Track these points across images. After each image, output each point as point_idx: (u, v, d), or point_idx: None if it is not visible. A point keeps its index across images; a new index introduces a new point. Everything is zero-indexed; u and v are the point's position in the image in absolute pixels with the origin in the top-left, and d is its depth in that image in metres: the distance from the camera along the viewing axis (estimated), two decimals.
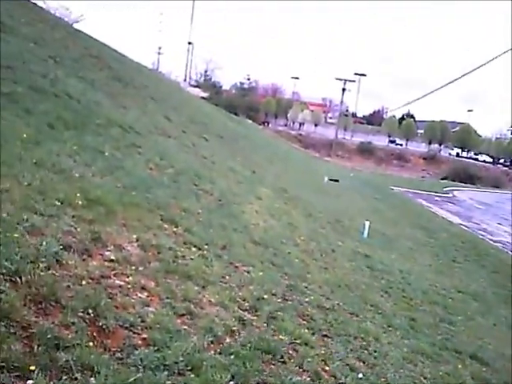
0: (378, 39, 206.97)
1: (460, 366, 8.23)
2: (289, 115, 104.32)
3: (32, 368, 3.30)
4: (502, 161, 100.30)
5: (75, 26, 29.67)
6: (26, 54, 12.32)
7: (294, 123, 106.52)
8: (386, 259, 15.05)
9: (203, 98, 55.27)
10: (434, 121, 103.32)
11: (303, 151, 72.65)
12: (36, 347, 3.52)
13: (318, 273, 9.95)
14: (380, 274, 12.47)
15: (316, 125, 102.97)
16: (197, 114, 27.42)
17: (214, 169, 15.35)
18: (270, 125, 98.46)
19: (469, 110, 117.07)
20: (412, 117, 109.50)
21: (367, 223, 17.98)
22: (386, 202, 34.90)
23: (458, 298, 13.75)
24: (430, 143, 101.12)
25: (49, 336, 3.67)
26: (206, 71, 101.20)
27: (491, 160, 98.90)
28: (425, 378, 7.05)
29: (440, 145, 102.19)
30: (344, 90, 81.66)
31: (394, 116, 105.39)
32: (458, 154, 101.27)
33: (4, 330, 3.45)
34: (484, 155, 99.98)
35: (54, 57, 14.15)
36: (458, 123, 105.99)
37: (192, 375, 4.17)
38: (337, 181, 25.82)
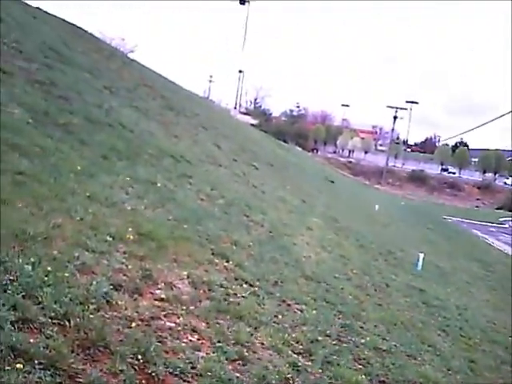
0: (430, 68, 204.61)
1: None
2: (338, 142, 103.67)
3: None
4: None
5: (130, 55, 30.45)
6: (81, 85, 12.55)
7: (343, 150, 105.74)
8: (442, 294, 14.45)
9: (253, 125, 55.63)
10: (488, 149, 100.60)
11: (353, 178, 71.87)
12: None
13: (372, 310, 9.53)
14: (436, 311, 11.95)
15: (366, 152, 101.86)
16: (247, 142, 27.49)
17: (264, 199, 15.18)
18: (319, 152, 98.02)
19: None
20: (465, 145, 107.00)
21: (421, 255, 17.41)
22: (439, 232, 33.94)
23: None
24: (484, 172, 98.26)
25: None
26: (255, 99, 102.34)
27: None
28: None
29: (495, 174, 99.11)
30: (395, 117, 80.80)
31: (447, 144, 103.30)
32: None
33: (50, 380, 3.28)
34: None
35: (109, 87, 14.41)
36: None
37: None
38: (332, 182, 25.53)
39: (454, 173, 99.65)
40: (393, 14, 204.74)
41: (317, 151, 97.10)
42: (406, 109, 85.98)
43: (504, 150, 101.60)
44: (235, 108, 64.46)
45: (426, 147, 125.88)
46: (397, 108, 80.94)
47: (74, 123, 9.47)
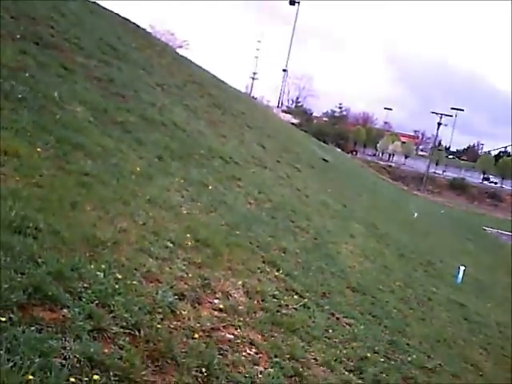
0: (476, 73, 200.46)
1: None
2: (378, 145, 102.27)
3: None
4: None
5: (178, 51, 30.70)
6: (136, 82, 12.72)
7: (383, 154, 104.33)
8: (482, 309, 14.21)
9: (293, 124, 55.49)
10: None
11: (392, 183, 71.00)
12: None
13: (416, 325, 9.43)
14: (477, 327, 11.78)
15: (406, 157, 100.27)
16: (289, 142, 27.44)
17: (307, 203, 15.15)
18: (358, 154, 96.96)
19: None
20: (509, 155, 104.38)
21: (462, 268, 17.11)
22: (479, 244, 33.30)
23: None
24: None
25: None
26: (297, 98, 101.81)
27: None
28: None
29: None
30: (439, 124, 79.30)
31: (490, 152, 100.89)
32: None
33: None
34: None
35: (162, 84, 14.56)
36: None
37: None
38: (326, 160, 24.85)
39: (495, 183, 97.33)
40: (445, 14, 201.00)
41: (356, 153, 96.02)
42: (451, 116, 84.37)
43: None
44: (278, 107, 64.32)
45: (468, 155, 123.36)
46: (441, 114, 79.44)
47: (130, 121, 9.62)
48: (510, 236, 43.76)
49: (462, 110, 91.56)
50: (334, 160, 39.88)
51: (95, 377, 3.29)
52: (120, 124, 9.13)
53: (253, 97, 67.78)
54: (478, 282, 19.31)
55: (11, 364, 2.93)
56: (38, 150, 5.88)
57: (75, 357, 3.32)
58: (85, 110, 8.38)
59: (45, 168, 5.62)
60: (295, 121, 65.29)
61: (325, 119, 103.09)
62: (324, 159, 23.17)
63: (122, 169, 7.18)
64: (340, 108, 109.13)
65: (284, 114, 65.99)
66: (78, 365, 3.29)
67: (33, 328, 3.34)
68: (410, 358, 7.35)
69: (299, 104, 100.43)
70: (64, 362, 3.24)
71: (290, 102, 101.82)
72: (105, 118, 8.85)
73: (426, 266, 17.24)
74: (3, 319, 3.22)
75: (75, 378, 3.17)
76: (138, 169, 7.55)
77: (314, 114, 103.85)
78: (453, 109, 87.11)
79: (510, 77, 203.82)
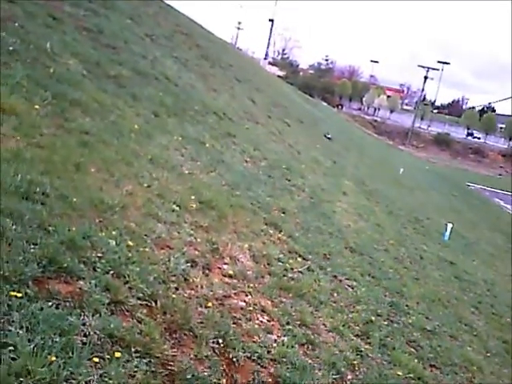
0: (462, 28, 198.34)
1: None
2: (364, 99, 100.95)
3: None
4: None
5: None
6: (125, 32, 12.21)
7: (368, 108, 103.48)
8: (469, 267, 14.42)
9: (280, 76, 54.61)
10: None
11: (377, 138, 70.88)
12: None
13: (412, 285, 9.49)
14: (467, 286, 11.95)
15: (392, 111, 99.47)
16: (278, 96, 27.04)
17: (300, 160, 14.99)
18: (343, 108, 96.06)
19: None
20: (493, 110, 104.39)
21: (449, 226, 17.28)
22: (464, 201, 33.64)
23: None
24: (510, 139, 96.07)
25: (188, 376, 3.41)
26: (283, 49, 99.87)
27: None
28: None
29: None
30: (426, 78, 78.35)
31: (474, 108, 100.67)
32: None
33: (145, 369, 3.21)
34: None
35: (150, 35, 14.04)
36: None
37: None
38: (329, 138, 24.26)
39: (479, 138, 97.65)
40: None
41: (342, 107, 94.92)
42: (437, 69, 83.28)
43: None
44: (265, 59, 62.88)
45: (453, 110, 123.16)
46: (428, 68, 78.47)
47: (124, 75, 9.24)
48: (492, 192, 44.32)
49: (449, 64, 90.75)
50: (322, 114, 39.59)
51: (117, 354, 3.15)
52: (114, 78, 8.75)
53: (238, 48, 66.37)
54: (464, 238, 19.57)
55: (33, 345, 2.75)
56: (36, 107, 5.55)
57: (95, 333, 3.16)
58: (77, 63, 7.97)
59: (44, 127, 5.32)
60: (281, 73, 64.27)
61: (311, 72, 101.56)
62: (327, 137, 22.67)
63: (121, 127, 6.89)
64: (326, 61, 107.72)
65: (270, 66, 64.84)
66: (98, 342, 3.14)
67: (50, 303, 3.15)
68: (410, 320, 7.39)
69: (285, 56, 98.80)
70: (85, 339, 3.07)
71: (276, 53, 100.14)
72: (98, 72, 8.46)
73: (414, 223, 17.38)
74: (19, 295, 3.02)
75: (97, 357, 3.02)
76: (137, 126, 7.27)
77: (300, 67, 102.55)
78: (439, 62, 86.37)
79: (496, 31, 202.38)
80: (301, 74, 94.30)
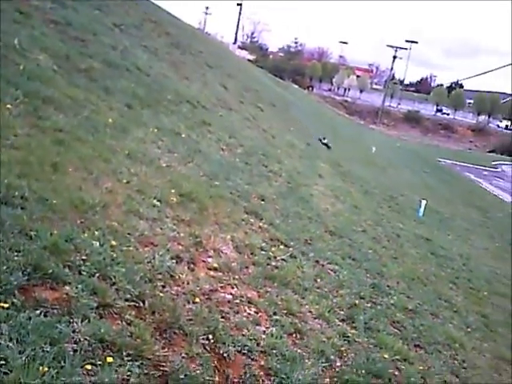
0: (430, 8, 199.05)
1: None
2: (334, 80, 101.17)
3: None
4: None
5: None
6: (93, 24, 11.97)
7: (338, 88, 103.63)
8: (445, 242, 14.67)
9: (250, 60, 54.28)
10: (484, 91, 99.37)
11: (348, 118, 71.19)
12: None
13: (391, 265, 9.62)
14: (444, 262, 12.17)
15: (361, 91, 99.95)
16: (249, 81, 26.88)
17: (275, 145, 14.97)
18: (314, 89, 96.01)
19: None
20: (461, 86, 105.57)
21: (424, 202, 17.53)
22: (436, 177, 34.08)
23: None
24: (478, 114, 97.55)
25: (181, 375, 3.41)
26: (252, 33, 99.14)
27: None
28: None
29: (489, 116, 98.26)
30: (395, 57, 78.81)
31: (443, 85, 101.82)
32: (507, 127, 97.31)
33: (138, 372, 3.20)
34: None
35: (119, 25, 13.80)
36: (509, 94, 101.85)
37: None
38: (326, 145, 22.27)
39: (448, 114, 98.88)
40: None
41: (312, 89, 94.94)
42: (406, 48, 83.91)
43: (499, 93, 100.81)
44: (234, 43, 62.27)
45: (422, 87, 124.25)
46: (397, 47, 79.06)
47: (94, 68, 9.07)
48: (463, 167, 44.99)
49: (417, 43, 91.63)
50: (293, 97, 39.55)
51: (109, 359, 3.12)
52: (84, 72, 8.58)
53: (207, 33, 65.66)
54: (438, 214, 19.85)
55: (24, 357, 2.71)
56: (8, 106, 5.41)
57: (86, 339, 3.13)
58: (47, 58, 7.79)
59: (18, 127, 5.20)
60: (251, 57, 63.85)
61: (280, 55, 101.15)
62: (324, 143, 21.69)
63: (95, 122, 6.78)
64: (296, 43, 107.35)
65: (240, 50, 64.29)
66: (89, 348, 3.11)
67: (38, 312, 3.10)
68: (392, 301, 7.49)
69: (254, 40, 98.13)
70: (76, 346, 3.04)
71: (245, 37, 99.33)
72: (68, 66, 8.29)
73: (389, 201, 17.57)
74: (6, 305, 2.97)
75: (90, 364, 2.99)
76: (111, 120, 7.15)
77: (270, 50, 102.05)
78: (407, 41, 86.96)
79: (463, 9, 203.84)
80: (271, 57, 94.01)
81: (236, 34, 72.09)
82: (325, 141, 21.84)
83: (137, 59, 11.81)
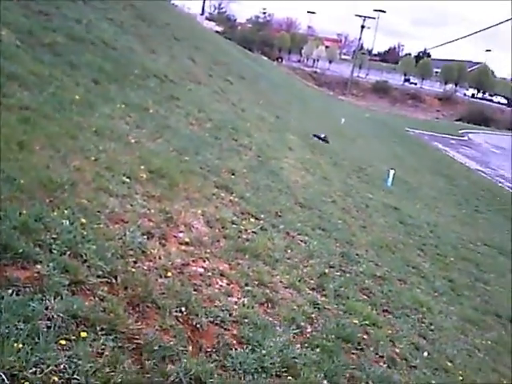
0: None
1: (504, 333, 8.32)
2: (303, 51, 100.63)
3: None
4: None
5: None
6: None
7: (307, 59, 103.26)
8: (413, 211, 14.96)
9: (217, 32, 53.60)
10: (451, 60, 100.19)
11: (317, 89, 71.17)
12: (146, 362, 3.36)
13: (360, 233, 9.82)
14: (411, 230, 12.42)
15: (330, 61, 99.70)
16: (217, 53, 26.60)
17: (245, 118, 14.97)
18: (283, 61, 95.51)
19: (487, 50, 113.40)
20: (428, 55, 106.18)
21: (392, 172, 17.77)
22: (404, 146, 34.48)
23: (486, 252, 13.75)
24: (445, 83, 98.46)
25: (155, 347, 3.49)
26: (220, 4, 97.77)
27: (506, 102, 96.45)
28: (478, 350, 7.06)
29: (456, 85, 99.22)
30: (363, 27, 78.93)
31: (410, 54, 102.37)
32: (473, 95, 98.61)
33: (113, 345, 3.27)
34: (499, 97, 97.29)
35: None
36: (475, 63, 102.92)
37: (289, 377, 4.04)
38: (324, 139, 19.61)
39: (415, 83, 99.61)
40: None
41: (281, 60, 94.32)
42: (373, 18, 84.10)
43: (466, 61, 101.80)
44: (201, 14, 61.30)
45: (390, 57, 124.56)
46: (365, 17, 79.10)
47: (59, 42, 8.92)
48: (431, 136, 45.51)
49: (384, 12, 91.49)
50: (262, 69, 39.34)
51: (83, 334, 3.18)
52: (48, 46, 8.43)
53: (173, 4, 64.37)
54: (406, 183, 20.16)
55: None
56: None
57: (59, 316, 3.18)
58: (9, 33, 7.63)
59: None
60: (219, 28, 63.05)
61: (249, 26, 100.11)
62: (320, 138, 20.21)
63: (61, 98, 6.70)
64: (264, 14, 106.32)
65: (207, 21, 63.32)
66: (63, 324, 3.16)
67: (10, 291, 3.13)
68: (361, 269, 7.65)
69: (222, 10, 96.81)
70: (49, 323, 3.09)
71: (213, 8, 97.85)
72: (32, 41, 8.14)
73: (358, 172, 17.79)
74: None
75: (64, 339, 3.05)
76: (77, 97, 7.07)
77: (238, 21, 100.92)
78: (375, 11, 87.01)
79: None
80: (239, 28, 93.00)
81: (203, 4, 70.96)
82: (322, 136, 20.52)
83: (102, 33, 11.62)
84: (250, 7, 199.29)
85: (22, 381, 2.64)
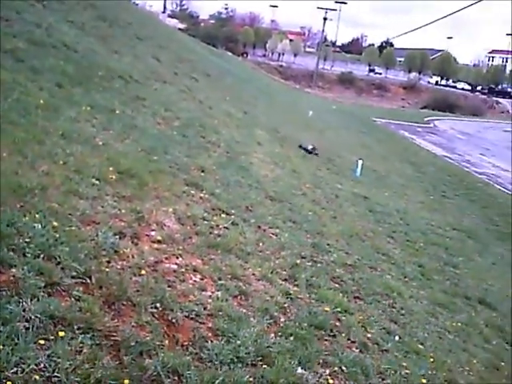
0: None
1: (473, 314, 8.58)
2: (268, 45, 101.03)
3: (126, 382, 3.24)
4: (480, 88, 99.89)
5: None
6: (16, 1, 11.58)
7: (272, 53, 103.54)
8: (382, 199, 15.22)
9: (180, 29, 53.35)
10: (414, 49, 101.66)
11: (284, 83, 71.45)
12: (124, 357, 3.46)
13: (330, 224, 9.99)
14: (381, 217, 12.65)
15: (295, 55, 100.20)
16: (182, 51, 26.53)
17: (212, 115, 15.02)
18: (248, 56, 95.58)
19: (448, 37, 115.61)
20: (391, 45, 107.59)
21: (360, 162, 18.03)
22: (372, 136, 34.90)
23: (455, 236, 14.11)
24: (409, 72, 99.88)
25: (132, 343, 3.60)
26: (182, 1, 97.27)
27: (470, 88, 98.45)
28: (448, 332, 7.27)
29: (419, 73, 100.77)
30: (325, 19, 79.43)
31: (374, 44, 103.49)
32: (437, 83, 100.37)
33: (90, 343, 3.37)
34: (463, 83, 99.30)
35: (42, 0, 13.34)
36: (438, 50, 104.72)
37: (265, 366, 4.17)
38: (312, 152, 17.92)
39: (380, 73, 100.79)
40: None
41: (247, 55, 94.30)
42: (335, 10, 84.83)
43: (428, 49, 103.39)
44: (163, 12, 60.89)
45: (354, 48, 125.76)
46: (327, 9, 79.70)
47: (20, 48, 8.87)
48: (397, 125, 46.13)
49: (346, 3, 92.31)
50: (228, 65, 39.31)
51: (61, 333, 3.27)
52: (10, 52, 8.40)
53: (134, 3, 63.80)
54: (375, 172, 20.45)
55: None
56: None
57: (37, 317, 3.26)
58: None
59: None
60: (182, 26, 62.76)
61: (212, 22, 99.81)
62: (307, 150, 18.76)
63: (26, 104, 6.70)
64: (226, 9, 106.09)
65: (170, 19, 62.98)
66: (41, 325, 3.25)
67: None
68: (332, 258, 7.83)
69: (184, 7, 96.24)
70: (27, 324, 3.18)
71: (175, 5, 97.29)
72: None
73: (327, 163, 17.99)
74: None
75: (43, 339, 3.14)
76: (42, 101, 7.08)
77: (201, 18, 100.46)
78: (336, 2, 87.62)
79: None
80: (202, 25, 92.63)
81: (165, 2, 70.52)
82: (310, 148, 18.46)
83: (63, 35, 11.55)
84: (212, 3, 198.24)
85: (4, 380, 2.73)
